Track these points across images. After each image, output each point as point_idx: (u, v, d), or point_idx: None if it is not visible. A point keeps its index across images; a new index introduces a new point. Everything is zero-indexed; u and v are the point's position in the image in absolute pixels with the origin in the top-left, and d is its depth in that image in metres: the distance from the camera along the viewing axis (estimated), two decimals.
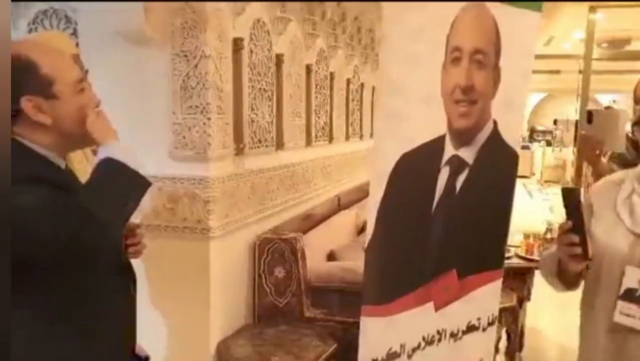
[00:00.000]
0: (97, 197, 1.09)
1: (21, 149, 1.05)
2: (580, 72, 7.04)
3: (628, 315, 1.09)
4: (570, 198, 1.18)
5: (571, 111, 8.70)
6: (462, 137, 1.69)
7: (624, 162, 2.06)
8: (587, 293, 1.32)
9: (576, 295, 1.38)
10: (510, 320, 2.83)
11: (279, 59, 2.74)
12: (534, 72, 1.89)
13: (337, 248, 2.84)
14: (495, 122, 1.76)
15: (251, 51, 2.40)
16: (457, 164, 1.69)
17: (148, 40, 2.12)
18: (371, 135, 4.87)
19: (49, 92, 1.04)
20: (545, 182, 11.57)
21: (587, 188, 4.96)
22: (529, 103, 14.25)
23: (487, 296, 1.89)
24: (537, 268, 2.82)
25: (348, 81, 4.02)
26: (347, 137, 4.12)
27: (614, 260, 1.19)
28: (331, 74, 3.57)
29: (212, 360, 2.26)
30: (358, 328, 1.64)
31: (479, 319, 1.89)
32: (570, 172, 8.40)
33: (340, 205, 3.69)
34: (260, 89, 2.57)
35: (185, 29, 2.11)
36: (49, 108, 1.05)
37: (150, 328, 1.72)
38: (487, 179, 1.77)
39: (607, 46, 8.90)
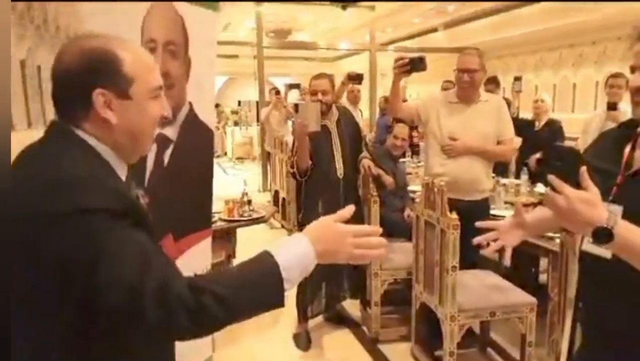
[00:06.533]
0: None
1: (83, 147, 0.95)
2: (255, 57, 7.95)
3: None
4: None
5: (252, 93, 9.70)
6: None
7: None
8: None
9: None
10: None
11: None
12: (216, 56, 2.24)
13: None
14: (190, 103, 2.06)
15: None
16: (162, 141, 1.92)
17: None
18: None
19: (125, 91, 0.95)
20: (237, 158, 12.60)
21: (270, 160, 5.76)
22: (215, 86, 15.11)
23: (201, 253, 2.21)
24: (238, 227, 3.29)
25: (22, 63, 3.70)
26: (29, 124, 3.81)
27: None
28: None
29: None
30: None
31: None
32: (256, 148, 9.43)
33: None
34: None
35: None
36: (119, 107, 0.95)
37: None
38: (189, 152, 2.07)
39: (273, 35, 10.23)
